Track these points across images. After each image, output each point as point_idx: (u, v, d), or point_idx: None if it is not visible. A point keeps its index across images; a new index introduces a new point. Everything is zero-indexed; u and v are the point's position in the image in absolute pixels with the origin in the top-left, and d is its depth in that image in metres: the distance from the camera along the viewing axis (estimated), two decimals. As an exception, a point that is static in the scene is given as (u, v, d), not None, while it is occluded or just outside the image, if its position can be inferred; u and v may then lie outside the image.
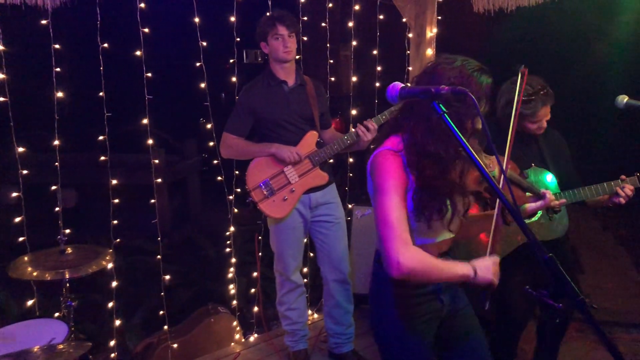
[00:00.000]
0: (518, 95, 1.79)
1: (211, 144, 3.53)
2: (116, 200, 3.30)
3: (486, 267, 1.76)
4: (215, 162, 3.51)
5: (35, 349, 2.28)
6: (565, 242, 3.04)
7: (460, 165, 1.80)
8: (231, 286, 3.85)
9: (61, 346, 2.32)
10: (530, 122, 2.78)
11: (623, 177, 2.73)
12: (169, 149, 6.94)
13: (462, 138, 1.48)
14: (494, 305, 3.16)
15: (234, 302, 3.87)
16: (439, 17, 3.82)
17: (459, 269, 1.78)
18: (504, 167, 1.64)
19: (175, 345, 3.53)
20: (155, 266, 3.50)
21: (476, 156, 1.46)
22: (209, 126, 3.53)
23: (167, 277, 3.55)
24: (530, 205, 1.95)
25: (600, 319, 3.50)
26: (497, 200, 1.83)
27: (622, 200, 2.73)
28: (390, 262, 1.71)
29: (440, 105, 1.52)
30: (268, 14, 3.23)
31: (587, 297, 1.34)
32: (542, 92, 2.74)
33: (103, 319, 3.91)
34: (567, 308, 1.23)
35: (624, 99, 2.50)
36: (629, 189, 2.71)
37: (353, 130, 3.16)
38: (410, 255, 1.71)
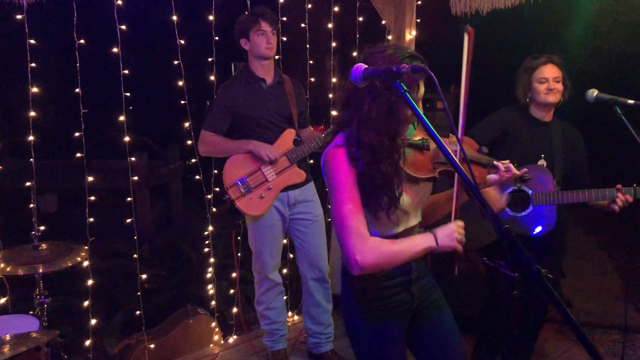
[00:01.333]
0: (466, 57, 1.77)
1: (189, 142, 3.53)
2: (92, 198, 3.28)
3: (447, 234, 1.75)
4: (193, 160, 3.51)
5: (6, 337, 2.26)
6: (552, 237, 2.99)
7: (398, 153, 1.79)
8: (210, 286, 3.83)
9: (33, 334, 2.29)
10: (537, 86, 2.87)
11: (619, 186, 2.73)
12: (151, 153, 6.93)
13: (423, 116, 1.49)
14: (485, 298, 3.17)
15: (213, 302, 3.84)
16: (418, 20, 3.87)
17: (420, 242, 1.77)
18: (459, 146, 1.63)
19: (152, 346, 3.50)
20: (136, 269, 3.47)
21: (437, 134, 1.47)
22: (187, 124, 3.52)
23: (144, 276, 3.53)
24: (491, 177, 1.98)
25: (580, 320, 3.52)
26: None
27: (617, 208, 2.74)
28: (350, 261, 1.71)
29: (402, 84, 1.53)
30: (247, 11, 3.23)
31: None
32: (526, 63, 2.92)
33: (81, 321, 3.87)
34: (522, 279, 1.24)
35: (593, 92, 2.54)
36: (625, 197, 2.71)
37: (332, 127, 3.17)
38: (367, 250, 1.70)
